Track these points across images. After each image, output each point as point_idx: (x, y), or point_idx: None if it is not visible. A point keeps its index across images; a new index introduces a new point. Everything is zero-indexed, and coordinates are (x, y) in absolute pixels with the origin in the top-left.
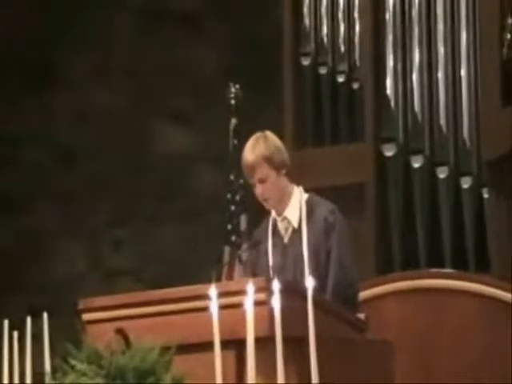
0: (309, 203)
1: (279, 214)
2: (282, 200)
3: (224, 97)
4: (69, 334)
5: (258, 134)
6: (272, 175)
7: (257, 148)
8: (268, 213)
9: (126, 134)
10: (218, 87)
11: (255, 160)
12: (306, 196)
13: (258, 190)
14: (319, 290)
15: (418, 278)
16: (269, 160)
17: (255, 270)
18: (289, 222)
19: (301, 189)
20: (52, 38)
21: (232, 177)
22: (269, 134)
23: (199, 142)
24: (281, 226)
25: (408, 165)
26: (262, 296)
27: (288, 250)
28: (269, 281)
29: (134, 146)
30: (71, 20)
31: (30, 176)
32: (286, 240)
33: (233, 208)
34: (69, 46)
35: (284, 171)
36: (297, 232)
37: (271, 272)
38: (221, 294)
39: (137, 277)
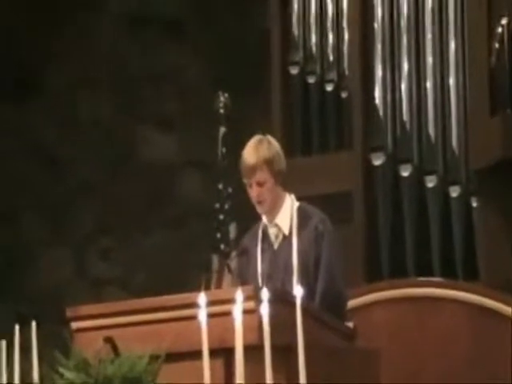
0: (300, 211)
1: (270, 220)
2: (275, 207)
3: (210, 104)
4: (57, 342)
5: (262, 137)
6: (270, 181)
7: (260, 150)
8: (257, 220)
9: (111, 141)
10: (205, 95)
11: (257, 162)
12: (297, 204)
13: (254, 191)
14: (308, 298)
15: (407, 286)
16: (270, 164)
17: (244, 276)
18: (279, 229)
19: (293, 197)
20: (35, 48)
21: (220, 186)
22: (271, 138)
23: (185, 150)
24: (271, 232)
25: (396, 174)
26: (250, 304)
27: (277, 257)
28: (257, 289)
29: (119, 153)
30: (54, 28)
31: (15, 185)
32: (275, 247)
33: (221, 217)
34: (52, 55)
35: (280, 180)
36: (287, 239)
37: (260, 279)
38: (209, 303)
39: (123, 285)
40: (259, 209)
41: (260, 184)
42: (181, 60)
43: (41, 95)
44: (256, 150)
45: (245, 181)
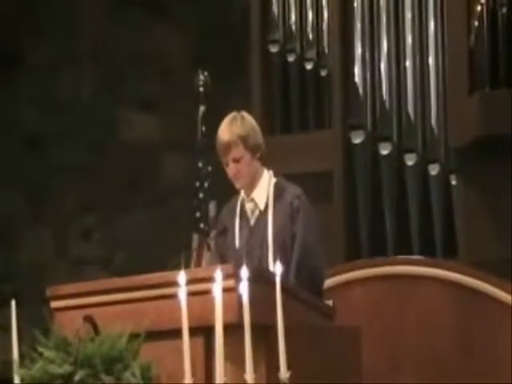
0: (277, 187)
1: (247, 194)
2: (253, 181)
3: (191, 84)
4: (36, 321)
5: (235, 114)
6: (246, 156)
7: (234, 127)
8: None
9: (92, 121)
10: (185, 74)
11: (231, 139)
12: (274, 180)
13: (231, 169)
14: (285, 273)
15: (386, 264)
16: (244, 140)
17: (224, 253)
18: (256, 205)
19: (271, 173)
20: (17, 24)
21: (200, 164)
22: (245, 114)
23: (166, 130)
24: (248, 207)
25: (376, 152)
26: (230, 283)
27: (254, 232)
28: (237, 268)
29: (101, 133)
30: (37, 6)
31: None
32: (252, 223)
33: (201, 195)
34: (34, 32)
35: (258, 155)
36: (263, 215)
37: (238, 255)
38: (189, 281)
39: (104, 264)
40: (237, 184)
41: (236, 160)
42: (162, 40)
43: (22, 73)
44: (230, 127)
45: (222, 160)
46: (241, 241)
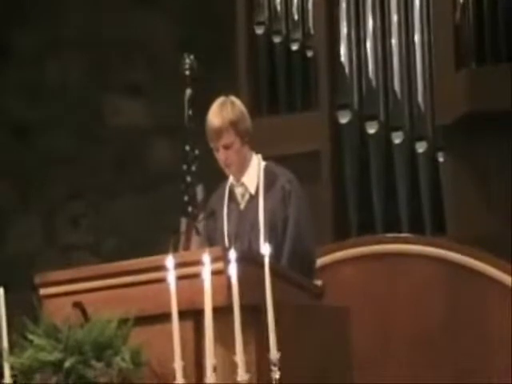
0: (267, 171)
1: (237, 179)
2: (242, 167)
3: (178, 68)
4: (26, 309)
5: (224, 99)
6: (237, 143)
7: (224, 112)
8: (224, 181)
9: (79, 107)
10: (172, 59)
11: (222, 124)
12: (264, 164)
13: (222, 155)
14: (275, 257)
15: (375, 243)
16: (235, 125)
17: (212, 238)
18: (246, 189)
19: (259, 156)
20: (2, 12)
21: (187, 147)
22: (234, 99)
23: (153, 114)
24: (238, 191)
25: (363, 131)
26: (219, 265)
27: (244, 216)
28: (225, 250)
29: (88, 119)
30: None
31: None
32: (242, 207)
33: (189, 179)
34: (19, 20)
35: (247, 139)
36: (253, 199)
37: (227, 239)
38: (178, 265)
39: (93, 250)
40: (228, 171)
41: (227, 147)
42: (148, 24)
43: (8, 61)
44: (220, 112)
45: (211, 145)
46: (229, 225)
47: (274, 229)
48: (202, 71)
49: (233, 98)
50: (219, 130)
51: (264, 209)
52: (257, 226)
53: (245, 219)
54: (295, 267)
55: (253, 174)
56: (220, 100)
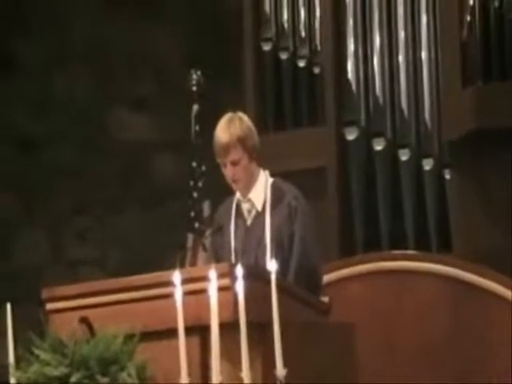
0: (274, 187)
1: (244, 195)
2: (249, 182)
3: (184, 83)
4: (32, 324)
5: (232, 115)
6: (245, 159)
7: (232, 128)
8: (232, 195)
9: (86, 121)
10: (178, 74)
11: (230, 140)
12: (271, 180)
13: (229, 171)
14: (281, 273)
15: (381, 260)
16: (243, 142)
17: (219, 253)
18: (252, 205)
19: (267, 173)
20: (8, 25)
21: (194, 163)
22: (242, 115)
23: (159, 129)
24: (244, 207)
25: (370, 148)
26: (225, 281)
27: (250, 232)
28: (232, 266)
29: (94, 133)
30: (28, 7)
31: None
32: (248, 223)
33: (195, 195)
34: (26, 33)
35: (254, 155)
36: (260, 215)
37: (233, 255)
38: (184, 281)
39: (99, 265)
40: (235, 187)
41: (234, 163)
42: (155, 39)
43: (14, 74)
44: (228, 128)
45: (219, 160)
46: (236, 241)
47: (280, 245)
48: (208, 87)
49: (240, 114)
50: (227, 146)
51: (270, 225)
52: (263, 243)
53: (251, 235)
54: (302, 283)
55: (260, 190)
56: (228, 116)
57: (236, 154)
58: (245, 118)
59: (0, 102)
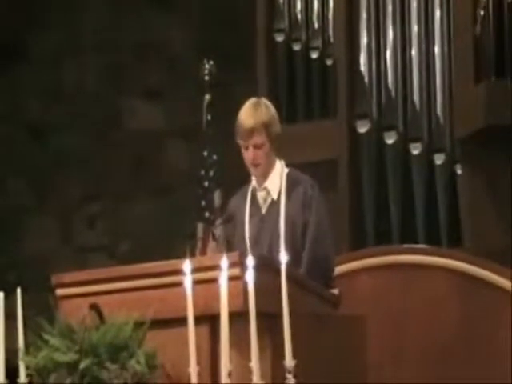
0: (289, 177)
1: (260, 183)
2: (267, 171)
3: (196, 73)
4: (42, 309)
5: (258, 99)
6: (267, 145)
7: (258, 113)
8: (242, 186)
9: (97, 109)
10: (190, 63)
11: (256, 125)
12: (287, 170)
13: (250, 153)
14: (294, 262)
15: (391, 253)
16: (267, 128)
17: (231, 242)
18: (268, 193)
19: (282, 162)
20: (19, 14)
21: (205, 153)
22: (267, 101)
23: (171, 118)
24: (260, 195)
25: (381, 141)
26: (236, 271)
27: (265, 221)
28: (243, 256)
29: (105, 122)
30: None
31: (1, 152)
32: (263, 211)
33: (206, 184)
34: (37, 22)
35: (275, 144)
36: (275, 204)
37: (247, 243)
38: (195, 269)
39: (109, 253)
40: (254, 171)
41: (257, 147)
42: (167, 28)
43: (26, 62)
44: (254, 112)
45: (240, 142)
46: (251, 229)
47: (295, 234)
48: (221, 77)
49: (266, 101)
50: (252, 129)
51: (285, 214)
52: (277, 231)
53: (265, 224)
54: (314, 271)
55: (276, 179)
56: (253, 100)
57: (260, 138)
58: (270, 105)
59: (12, 90)
